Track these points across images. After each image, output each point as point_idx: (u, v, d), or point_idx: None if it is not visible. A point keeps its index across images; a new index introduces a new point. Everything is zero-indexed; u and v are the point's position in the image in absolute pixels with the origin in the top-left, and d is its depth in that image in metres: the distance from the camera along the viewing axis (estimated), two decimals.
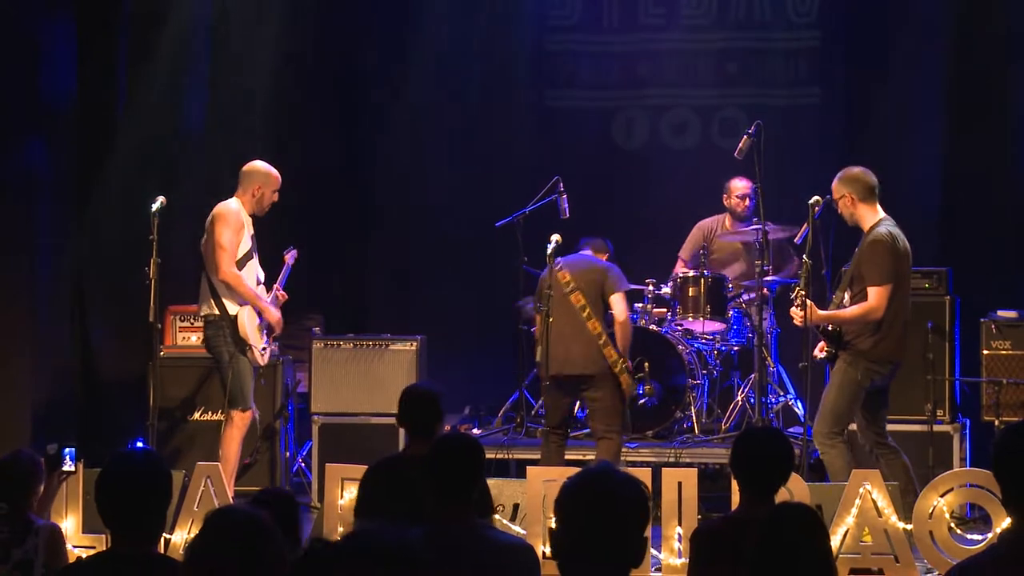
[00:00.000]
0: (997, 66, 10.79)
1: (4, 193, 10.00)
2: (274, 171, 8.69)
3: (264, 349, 8.62)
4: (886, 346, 7.85)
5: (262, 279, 8.73)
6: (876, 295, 7.77)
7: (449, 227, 11.34)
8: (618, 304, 8.66)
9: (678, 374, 9.57)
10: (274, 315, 8.65)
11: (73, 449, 6.11)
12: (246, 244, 8.54)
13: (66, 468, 6.19)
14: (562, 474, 6.13)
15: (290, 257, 9.07)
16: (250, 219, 8.61)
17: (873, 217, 7.91)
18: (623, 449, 8.90)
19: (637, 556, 3.25)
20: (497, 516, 7.03)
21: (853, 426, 8.05)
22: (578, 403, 9.04)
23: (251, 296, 8.51)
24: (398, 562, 2.52)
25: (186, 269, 9.23)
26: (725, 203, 10.29)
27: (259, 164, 8.72)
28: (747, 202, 10.14)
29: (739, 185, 10.17)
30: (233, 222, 8.47)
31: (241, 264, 8.49)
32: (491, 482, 7.67)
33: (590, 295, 8.62)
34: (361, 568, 2.50)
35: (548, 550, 5.97)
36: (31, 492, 5.55)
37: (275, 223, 8.84)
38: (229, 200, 8.60)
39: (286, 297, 8.88)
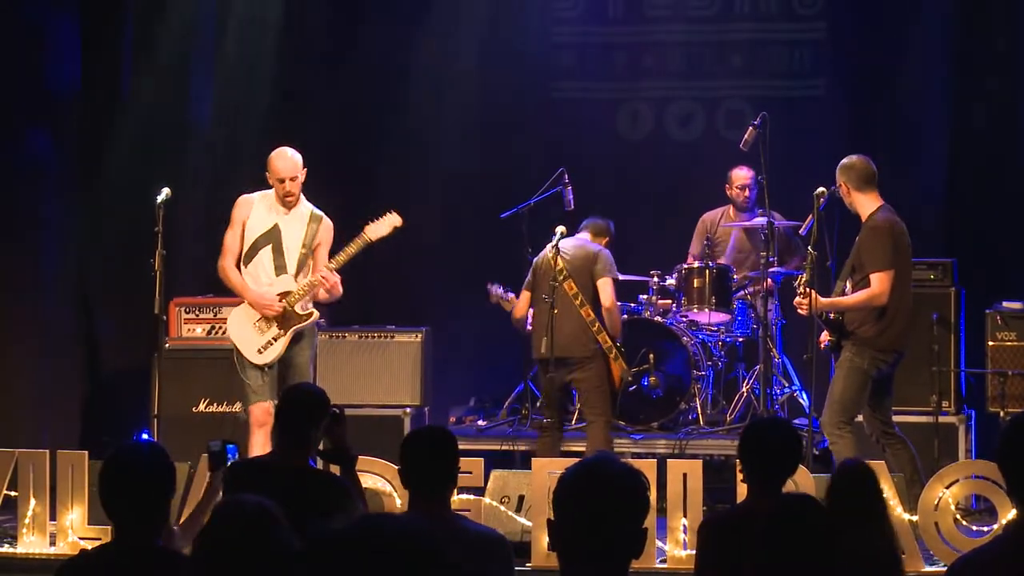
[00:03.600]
0: (1003, 56, 10.77)
1: (9, 182, 10.01)
2: (274, 157, 8.14)
3: (264, 347, 8.16)
4: (891, 334, 7.85)
5: (292, 272, 8.20)
6: (879, 281, 7.77)
7: (454, 218, 11.31)
8: (604, 289, 8.70)
9: (683, 365, 9.56)
10: (259, 300, 8.11)
11: (235, 446, 5.61)
12: (254, 233, 8.19)
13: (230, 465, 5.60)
14: (566, 465, 6.10)
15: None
16: (278, 207, 8.19)
17: (871, 205, 7.91)
18: (633, 441, 8.84)
19: (637, 548, 3.19)
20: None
21: (859, 418, 8.05)
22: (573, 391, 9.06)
23: (236, 286, 8.21)
24: (411, 551, 2.37)
25: (191, 261, 9.21)
26: (727, 193, 10.26)
27: (274, 152, 8.25)
28: (747, 192, 10.11)
29: (740, 175, 10.11)
30: (235, 215, 8.23)
31: (250, 256, 8.17)
32: (496, 473, 7.70)
33: (580, 280, 8.66)
34: (373, 557, 2.37)
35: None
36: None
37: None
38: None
39: (327, 283, 8.12)
